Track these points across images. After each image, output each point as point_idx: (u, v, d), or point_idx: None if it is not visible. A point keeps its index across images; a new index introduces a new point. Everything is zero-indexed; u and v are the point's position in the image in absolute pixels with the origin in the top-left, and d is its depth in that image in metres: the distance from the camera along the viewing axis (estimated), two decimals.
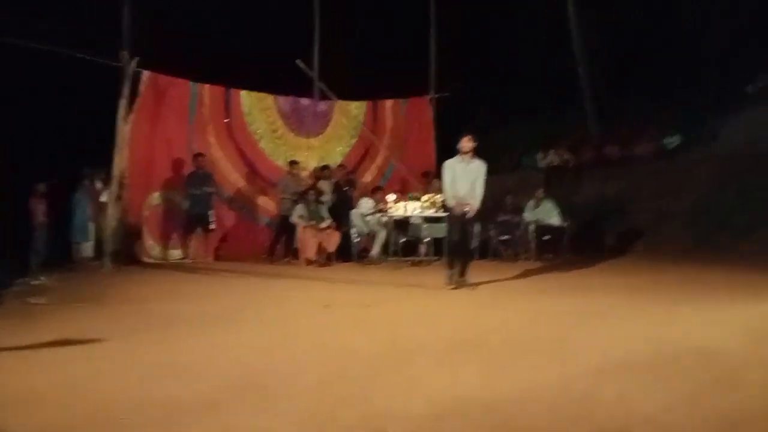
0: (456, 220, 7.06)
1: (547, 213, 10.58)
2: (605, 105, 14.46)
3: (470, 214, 7.01)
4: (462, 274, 7.03)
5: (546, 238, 10.48)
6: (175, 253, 10.06)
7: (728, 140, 11.57)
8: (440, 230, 9.49)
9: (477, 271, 7.52)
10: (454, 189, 6.97)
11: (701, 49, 13.50)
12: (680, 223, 11.02)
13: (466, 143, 7.00)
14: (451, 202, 7.09)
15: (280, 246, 10.63)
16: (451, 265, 7.13)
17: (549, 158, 13.79)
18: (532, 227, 10.50)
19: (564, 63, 15.47)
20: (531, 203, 10.76)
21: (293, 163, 10.87)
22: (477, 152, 7.10)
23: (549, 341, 4.22)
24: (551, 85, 15.86)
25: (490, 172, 7.26)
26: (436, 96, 12.92)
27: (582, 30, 14.32)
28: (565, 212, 10.82)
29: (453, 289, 6.84)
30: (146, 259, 9.65)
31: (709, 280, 7.50)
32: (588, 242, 11.29)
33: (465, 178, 6.97)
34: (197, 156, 10.04)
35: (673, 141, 12.49)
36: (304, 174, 11.58)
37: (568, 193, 13.02)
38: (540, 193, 10.80)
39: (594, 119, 14.47)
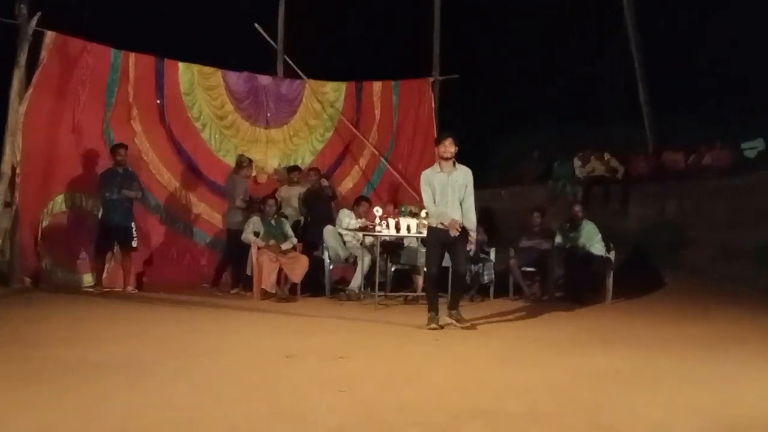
0: (434, 246, 7.36)
1: (586, 238, 10.59)
2: (664, 104, 14.70)
3: (470, 247, 7.43)
4: (454, 304, 7.45)
5: (584, 271, 10.47)
6: (84, 279, 9.98)
7: None
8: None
9: (491, 313, 7.52)
10: (436, 207, 7.31)
11: None
12: (759, 259, 11.09)
13: (449, 147, 7.31)
14: (432, 222, 7.44)
15: (226, 273, 10.56)
16: (431, 306, 7.38)
17: (590, 166, 13.84)
18: (565, 257, 10.51)
19: (611, 51, 15.89)
20: (565, 225, 10.78)
21: (243, 161, 10.83)
22: (490, 158, 7.26)
23: (586, 412, 4.18)
24: (594, 77, 16.29)
25: (512, 183, 7.38)
26: (441, 78, 12.99)
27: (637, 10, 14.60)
28: (609, 239, 10.84)
29: (434, 329, 7.15)
30: (43, 286, 9.52)
31: None
32: (639, 279, 11.32)
33: (450, 194, 7.28)
34: (117, 148, 9.97)
35: (754, 146, 12.61)
36: (262, 177, 11.56)
37: (614, 214, 13.09)
38: (577, 211, 10.81)
39: (651, 119, 14.64)
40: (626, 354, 6.19)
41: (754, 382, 5.13)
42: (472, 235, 7.38)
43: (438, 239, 7.35)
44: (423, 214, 9.55)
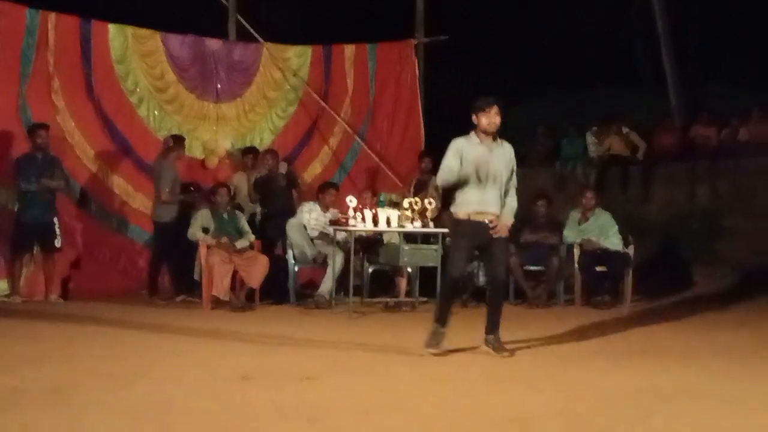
0: (463, 240, 6.80)
1: (600, 231, 10.69)
2: (693, 71, 14.83)
3: (500, 233, 6.74)
4: (494, 328, 6.79)
5: (599, 270, 10.57)
6: None
7: None
8: (431, 256, 9.52)
9: (481, 322, 7.48)
10: (472, 193, 6.69)
11: None
12: None
13: (494, 117, 6.65)
14: (462, 211, 6.74)
15: (163, 277, 10.61)
16: (442, 318, 6.86)
17: (607, 143, 13.91)
18: (576, 253, 10.58)
19: (628, 9, 16.04)
20: (575, 215, 10.87)
21: (177, 141, 10.77)
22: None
23: None
24: (608, 39, 16.41)
25: None
26: (426, 40, 13.02)
27: None
28: (628, 231, 10.93)
29: (435, 354, 6.69)
30: None
31: None
32: (664, 279, 11.43)
33: (491, 176, 6.67)
34: (36, 129, 9.92)
35: None
36: (212, 160, 11.55)
37: (634, 200, 13.19)
38: (589, 199, 10.89)
39: (678, 88, 14.75)
40: (648, 369, 6.26)
41: None
42: (504, 219, 6.73)
43: (470, 235, 6.73)
44: (405, 204, 9.59)
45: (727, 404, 5.08)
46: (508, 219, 6.79)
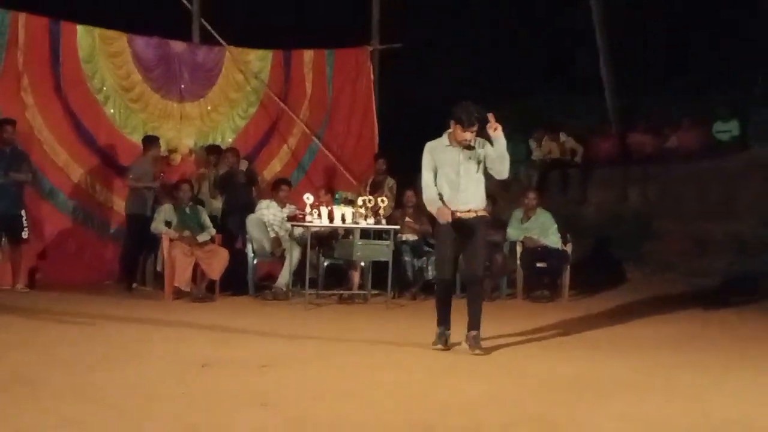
0: (446, 238, 6.63)
1: (541, 229, 10.79)
2: (629, 81, 15.02)
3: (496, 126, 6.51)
4: (474, 325, 6.57)
5: (539, 266, 10.68)
6: None
7: None
8: (383, 251, 9.55)
9: (429, 316, 7.52)
10: (449, 192, 6.59)
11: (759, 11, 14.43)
12: (731, 253, 11.46)
13: (471, 135, 6.52)
14: (435, 203, 6.61)
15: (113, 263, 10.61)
16: (442, 318, 6.68)
17: (546, 148, 14.08)
18: (519, 250, 10.68)
19: (570, 22, 16.20)
20: (517, 215, 10.96)
21: (151, 141, 10.76)
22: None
23: (535, 426, 4.28)
24: (550, 49, 16.58)
25: None
26: (381, 47, 13.05)
27: None
28: (567, 229, 11.05)
29: (441, 349, 6.57)
30: None
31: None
32: (599, 275, 11.58)
33: (464, 174, 6.58)
34: (3, 124, 9.78)
35: (727, 129, 12.97)
36: (175, 157, 11.47)
37: (573, 202, 13.34)
38: (531, 200, 10.99)
39: (614, 96, 14.92)
40: (582, 359, 6.36)
41: (720, 392, 5.33)
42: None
43: (448, 231, 6.58)
44: (360, 201, 9.62)
45: (653, 392, 5.19)
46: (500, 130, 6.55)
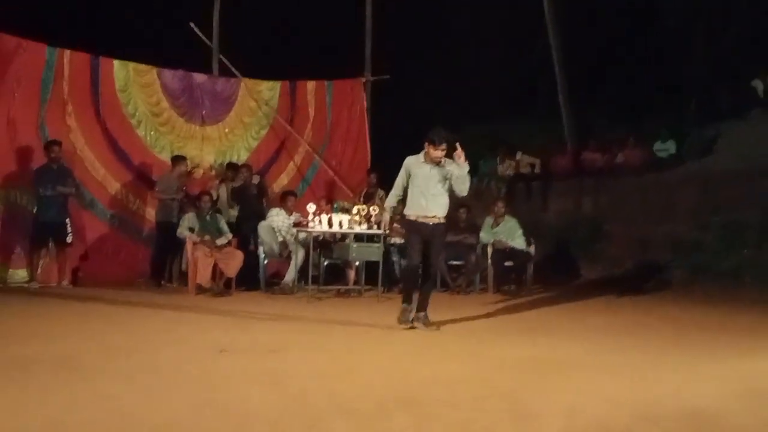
0: (414, 239, 6.97)
1: (508, 233, 10.81)
2: (582, 106, 15.11)
3: (460, 156, 6.82)
4: (423, 308, 6.98)
5: (507, 264, 10.71)
6: (18, 275, 9.76)
7: (722, 155, 12.20)
8: (374, 252, 9.57)
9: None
10: (419, 200, 6.90)
11: (692, 46, 14.57)
12: (669, 252, 11.50)
13: (440, 152, 6.77)
14: (386, 214, 7.21)
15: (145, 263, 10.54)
16: (407, 298, 7.01)
17: (507, 165, 14.14)
18: (489, 251, 10.70)
19: (529, 57, 16.33)
20: (489, 221, 10.98)
21: (178, 159, 10.75)
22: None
23: (505, 399, 4.30)
24: (515, 78, 16.67)
25: None
26: (373, 79, 13.09)
27: (556, 17, 14.89)
28: (530, 233, 11.08)
29: (408, 328, 6.85)
30: None
31: (702, 323, 7.88)
32: (558, 272, 11.63)
33: (432, 186, 6.87)
34: (51, 145, 9.76)
35: (665, 148, 13.04)
36: (198, 172, 11.47)
37: (534, 209, 13.37)
38: (500, 208, 11.02)
39: (570, 120, 14.98)
40: (544, 343, 6.38)
41: (659, 370, 5.35)
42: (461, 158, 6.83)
43: (417, 231, 6.95)
44: (354, 210, 9.62)
45: (605, 373, 5.20)
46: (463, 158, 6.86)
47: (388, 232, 7.15)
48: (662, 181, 12.43)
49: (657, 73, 15.41)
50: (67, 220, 9.79)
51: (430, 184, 6.88)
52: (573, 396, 4.40)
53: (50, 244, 9.79)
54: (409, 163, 7.01)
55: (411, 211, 7.00)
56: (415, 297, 7.05)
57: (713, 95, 13.82)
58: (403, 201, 7.18)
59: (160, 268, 10.42)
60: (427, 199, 6.90)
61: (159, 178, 10.71)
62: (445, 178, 6.90)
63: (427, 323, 6.94)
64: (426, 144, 6.88)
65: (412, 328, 6.90)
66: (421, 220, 6.93)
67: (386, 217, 7.52)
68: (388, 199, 7.45)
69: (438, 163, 6.86)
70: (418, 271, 7.08)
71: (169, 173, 10.65)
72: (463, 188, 7.00)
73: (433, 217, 6.91)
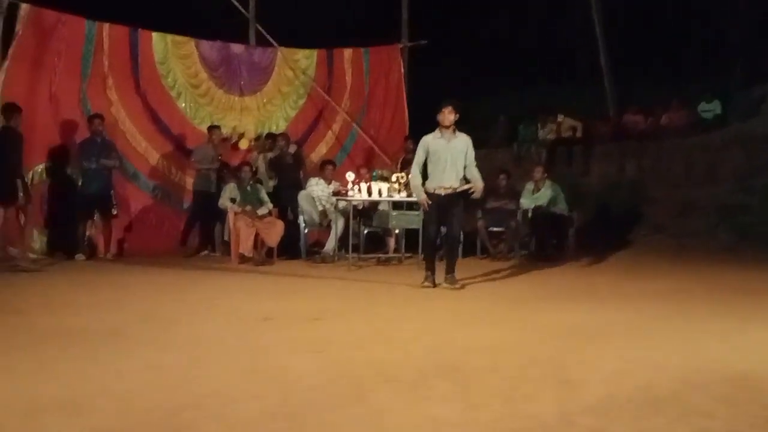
0: (431, 209, 7.43)
1: (549, 199, 10.70)
2: (624, 69, 14.82)
3: (477, 195, 7.52)
4: (450, 270, 7.49)
5: (548, 230, 10.60)
6: (62, 245, 9.84)
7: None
8: (414, 220, 9.54)
9: (460, 273, 7.60)
10: (435, 173, 7.37)
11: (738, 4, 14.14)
12: (714, 215, 11.30)
13: (448, 115, 7.32)
14: (419, 191, 7.51)
15: (193, 235, 10.61)
16: (428, 266, 7.56)
17: (548, 129, 13.95)
18: (530, 217, 10.61)
19: (571, 18, 16.01)
20: (529, 186, 10.87)
21: (211, 129, 10.82)
22: (458, 124, 7.40)
23: (548, 366, 4.28)
24: (554, 42, 16.41)
25: (478, 147, 7.46)
26: (410, 45, 12.96)
27: None
28: (572, 198, 10.96)
29: (427, 287, 7.36)
30: (26, 255, 9.44)
31: (749, 287, 7.74)
32: (600, 236, 11.49)
33: (449, 161, 7.35)
34: (93, 118, 9.88)
35: (711, 109, 12.74)
36: (244, 143, 11.54)
37: (576, 174, 13.23)
38: (540, 173, 10.90)
39: (612, 83, 14.72)
40: (586, 309, 6.32)
41: (705, 336, 5.27)
42: (479, 185, 7.46)
43: (435, 203, 7.42)
44: (393, 178, 9.60)
45: (649, 340, 5.14)
46: (479, 183, 7.48)
47: (428, 203, 7.43)
48: (706, 143, 12.20)
49: (701, 34, 15.03)
50: (112, 193, 9.92)
51: (447, 157, 7.33)
52: (617, 363, 4.37)
53: (95, 216, 9.92)
54: (425, 140, 7.50)
55: (429, 184, 7.45)
56: (441, 265, 7.58)
57: (759, 55, 13.43)
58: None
59: (203, 237, 10.53)
60: (444, 171, 7.35)
61: (195, 147, 10.80)
62: (462, 152, 7.37)
63: (452, 281, 7.43)
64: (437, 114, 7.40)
65: (434, 286, 7.38)
66: (437, 191, 7.40)
67: (422, 195, 7.58)
68: (412, 178, 7.69)
69: (447, 128, 7.33)
70: (434, 241, 7.66)
71: (205, 143, 10.72)
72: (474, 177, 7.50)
73: (448, 187, 7.36)
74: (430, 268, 7.51)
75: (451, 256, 7.61)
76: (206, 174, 10.52)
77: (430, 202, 7.40)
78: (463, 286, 7.48)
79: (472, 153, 7.46)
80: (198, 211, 10.58)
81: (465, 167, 7.44)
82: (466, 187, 7.44)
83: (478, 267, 9.32)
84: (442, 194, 7.38)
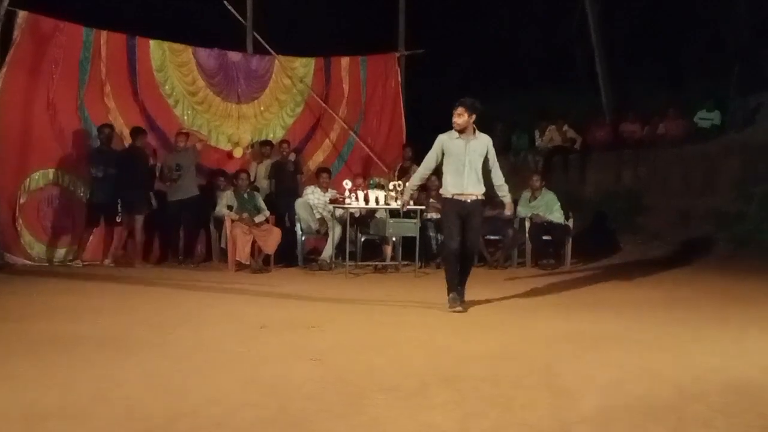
0: (451, 219, 6.71)
1: (546, 207, 10.74)
2: (621, 76, 14.85)
3: (508, 212, 7.18)
4: (461, 284, 6.81)
5: (545, 239, 10.64)
6: (65, 253, 9.91)
7: (765, 125, 11.95)
8: (410, 228, 9.56)
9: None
10: (455, 177, 6.70)
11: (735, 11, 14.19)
12: (712, 224, 11.32)
13: (458, 117, 6.67)
14: (407, 191, 7.15)
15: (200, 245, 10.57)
16: (453, 285, 6.73)
17: (548, 137, 13.97)
18: (527, 225, 10.64)
19: (567, 24, 16.06)
20: (526, 195, 10.90)
21: (180, 135, 10.52)
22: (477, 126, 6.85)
23: (545, 375, 4.29)
24: (551, 49, 16.44)
25: None
26: (407, 53, 13.00)
27: None
28: (568, 207, 10.99)
29: (459, 311, 6.54)
30: (23, 261, 9.47)
31: (747, 296, 7.76)
32: (597, 245, 11.52)
33: (467, 163, 6.68)
34: (102, 128, 9.99)
35: (710, 117, 12.76)
36: (238, 151, 11.55)
37: (573, 182, 13.24)
38: (537, 181, 10.93)
39: (609, 90, 14.75)
40: (584, 318, 6.33)
41: (701, 345, 5.28)
42: (507, 199, 7.04)
43: (454, 210, 6.71)
44: (390, 186, 9.62)
45: (647, 348, 5.15)
46: (509, 198, 7.09)
47: (403, 209, 7.03)
48: (703, 152, 12.22)
49: (697, 40, 15.08)
50: (118, 201, 9.91)
51: (465, 160, 6.67)
52: (614, 372, 4.38)
53: (101, 223, 9.97)
54: (441, 139, 6.78)
55: (447, 189, 6.79)
56: (439, 275, 7.11)
57: (755, 64, 13.48)
58: (438, 179, 7.10)
59: (177, 246, 10.43)
60: (463, 175, 6.68)
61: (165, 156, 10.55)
62: (481, 155, 6.74)
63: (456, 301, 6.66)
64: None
65: (465, 310, 6.61)
66: (457, 197, 6.72)
67: (405, 197, 7.43)
68: (413, 178, 7.24)
69: (462, 132, 6.67)
70: (457, 255, 6.73)
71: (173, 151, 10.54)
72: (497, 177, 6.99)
73: (470, 194, 6.71)
74: (454, 289, 6.68)
75: (465, 276, 6.84)
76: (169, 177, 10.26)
77: (432, 210, 7.01)
78: (465, 309, 6.64)
79: (493, 154, 6.81)
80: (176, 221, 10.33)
81: (490, 171, 6.82)
82: (495, 212, 7.06)
83: (474, 275, 9.26)
84: (468, 201, 6.70)
